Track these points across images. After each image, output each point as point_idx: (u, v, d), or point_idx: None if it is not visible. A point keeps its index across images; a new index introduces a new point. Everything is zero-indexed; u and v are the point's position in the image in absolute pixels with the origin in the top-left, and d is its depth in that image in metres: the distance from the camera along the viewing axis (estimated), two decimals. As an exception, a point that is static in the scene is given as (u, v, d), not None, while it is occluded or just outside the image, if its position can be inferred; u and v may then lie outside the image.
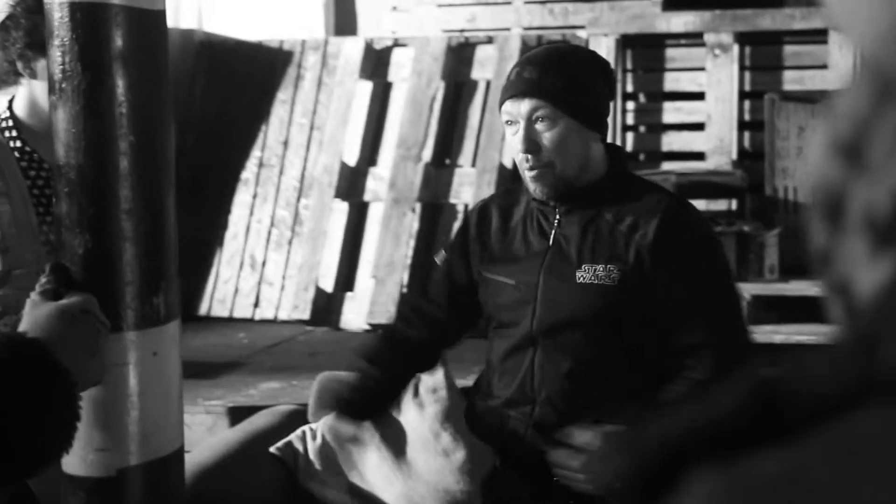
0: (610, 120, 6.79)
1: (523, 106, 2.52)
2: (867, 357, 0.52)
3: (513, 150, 2.60)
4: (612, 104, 2.71)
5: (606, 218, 2.57)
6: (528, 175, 2.57)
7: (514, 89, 2.55)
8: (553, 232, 2.62)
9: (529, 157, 2.53)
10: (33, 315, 1.67)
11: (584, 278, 2.54)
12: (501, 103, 2.59)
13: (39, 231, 3.01)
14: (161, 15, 1.77)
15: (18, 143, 3.04)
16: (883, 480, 0.48)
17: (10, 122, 3.05)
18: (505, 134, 2.65)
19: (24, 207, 3.00)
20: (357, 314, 6.76)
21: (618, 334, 2.55)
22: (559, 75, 2.54)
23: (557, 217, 2.62)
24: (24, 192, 3.01)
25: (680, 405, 0.59)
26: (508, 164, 6.75)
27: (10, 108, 3.07)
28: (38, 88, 3.01)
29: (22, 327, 1.65)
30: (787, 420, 0.53)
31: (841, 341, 0.56)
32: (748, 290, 5.62)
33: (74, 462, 1.73)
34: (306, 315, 6.84)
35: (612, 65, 6.73)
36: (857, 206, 0.55)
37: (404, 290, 6.69)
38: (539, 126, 2.53)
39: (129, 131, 1.72)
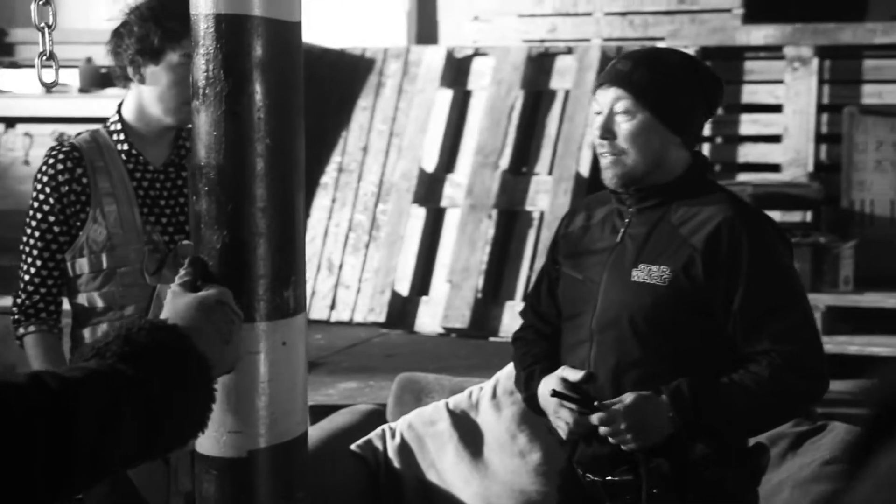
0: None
1: (608, 94, 2.62)
2: None
3: (594, 139, 2.69)
4: (707, 118, 2.77)
5: (671, 220, 2.63)
6: (602, 162, 2.66)
7: (603, 78, 2.65)
8: (622, 231, 2.68)
9: (605, 143, 2.62)
10: (174, 305, 1.79)
11: (638, 277, 2.60)
12: (593, 94, 2.70)
13: (143, 231, 3.13)
14: (297, 26, 1.89)
15: (126, 147, 3.15)
16: None
17: (119, 126, 3.16)
18: (582, 141, 2.73)
19: (129, 208, 3.12)
20: (432, 318, 6.88)
21: (666, 336, 2.59)
22: (648, 70, 2.61)
23: (629, 217, 2.69)
24: (131, 194, 3.13)
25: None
26: (585, 172, 6.84)
27: (119, 111, 3.18)
28: (147, 94, 3.12)
29: (163, 315, 1.77)
30: None
31: None
32: (823, 301, 5.66)
33: (209, 443, 1.85)
34: (382, 318, 6.96)
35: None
36: None
37: (479, 295, 6.79)
38: (619, 117, 2.61)
39: (265, 135, 1.83)
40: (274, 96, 1.84)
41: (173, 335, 1.68)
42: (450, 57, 7.36)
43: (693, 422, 2.51)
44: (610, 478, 2.65)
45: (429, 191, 7.18)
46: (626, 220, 2.69)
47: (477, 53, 7.40)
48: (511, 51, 7.24)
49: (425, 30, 8.03)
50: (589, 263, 2.72)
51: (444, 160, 7.27)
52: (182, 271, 1.86)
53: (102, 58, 7.70)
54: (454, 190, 7.14)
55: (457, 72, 7.38)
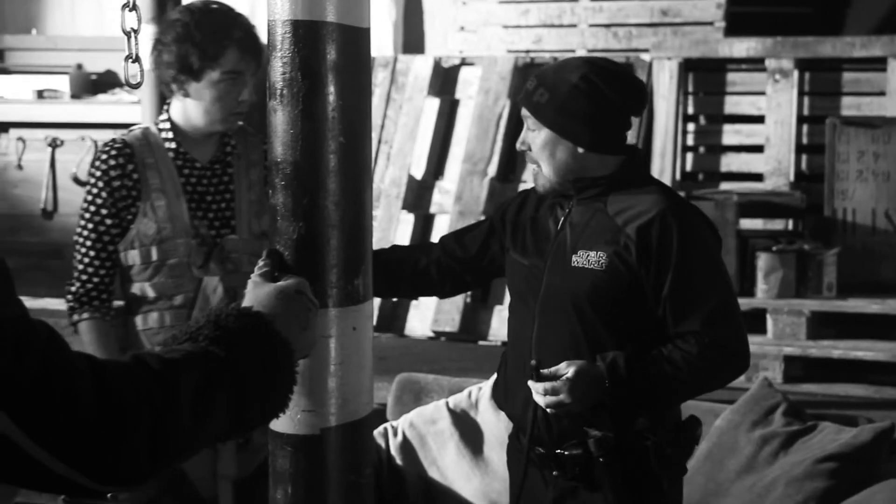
0: (663, 139, 6.95)
1: (523, 111, 2.88)
2: None
3: None
4: (623, 122, 2.89)
5: (608, 210, 2.83)
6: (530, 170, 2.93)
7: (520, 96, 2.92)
8: (562, 220, 2.89)
9: (526, 154, 2.89)
10: (255, 294, 1.91)
11: (577, 262, 2.81)
12: None
13: (191, 225, 3.27)
14: (367, 32, 2.01)
15: (174, 145, 3.31)
16: None
17: (168, 125, 3.31)
18: None
19: (178, 203, 3.28)
20: (421, 321, 6.99)
21: (605, 317, 2.80)
22: (546, 91, 2.82)
23: (569, 208, 2.89)
24: (179, 189, 3.29)
25: None
26: (572, 180, 6.98)
27: (167, 111, 3.33)
28: (192, 106, 3.27)
29: (245, 303, 1.88)
30: None
31: None
32: (807, 306, 5.79)
33: (284, 421, 1.97)
34: (373, 321, 7.06)
35: (674, 87, 6.96)
36: None
37: (468, 299, 6.91)
38: (529, 133, 2.86)
39: (339, 133, 1.96)
40: (346, 97, 1.96)
41: (259, 321, 1.80)
42: (437, 66, 7.49)
43: (625, 389, 2.72)
44: (559, 451, 2.83)
45: (418, 197, 7.31)
46: (567, 210, 2.88)
47: (464, 63, 7.53)
48: (498, 61, 7.38)
49: (412, 40, 8.15)
50: (534, 251, 2.92)
51: (432, 167, 7.39)
52: (261, 262, 1.98)
53: (92, 64, 7.80)
54: (443, 197, 7.26)
55: (444, 81, 7.51)
